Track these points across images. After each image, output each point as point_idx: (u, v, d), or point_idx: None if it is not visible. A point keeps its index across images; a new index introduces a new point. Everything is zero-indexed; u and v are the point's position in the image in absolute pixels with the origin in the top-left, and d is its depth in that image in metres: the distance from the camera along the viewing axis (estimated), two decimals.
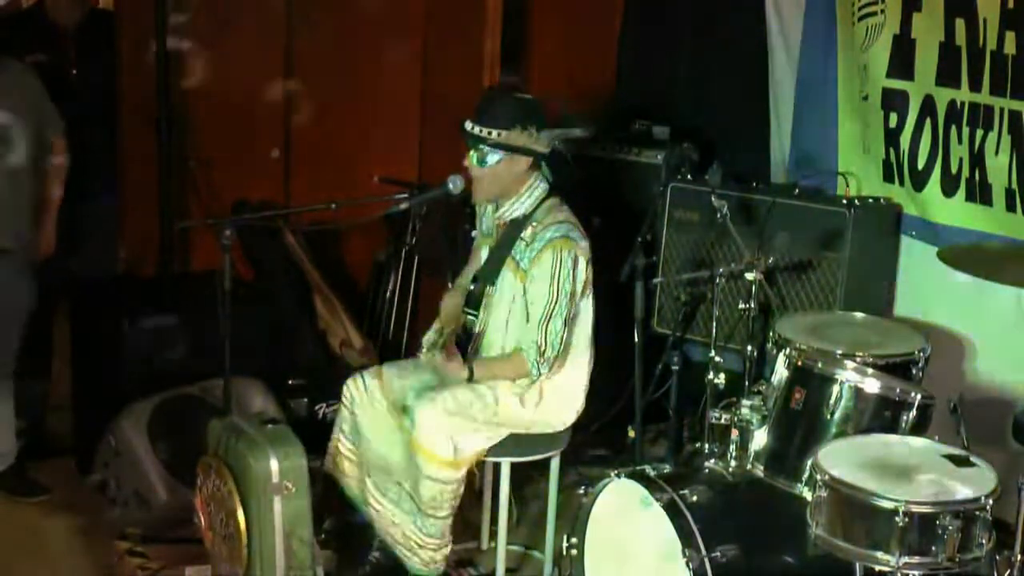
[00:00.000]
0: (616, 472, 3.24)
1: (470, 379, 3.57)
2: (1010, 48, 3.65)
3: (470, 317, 3.76)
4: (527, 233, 3.61)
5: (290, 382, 4.64)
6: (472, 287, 3.79)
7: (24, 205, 4.16)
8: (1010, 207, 3.74)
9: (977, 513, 2.73)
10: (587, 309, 3.67)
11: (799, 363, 3.24)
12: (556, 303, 3.51)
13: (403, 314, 5.23)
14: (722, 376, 3.64)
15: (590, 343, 3.71)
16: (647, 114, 5.02)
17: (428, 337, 3.85)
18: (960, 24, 3.82)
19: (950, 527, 2.69)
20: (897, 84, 4.10)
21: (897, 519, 2.69)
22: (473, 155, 3.59)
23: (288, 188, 5.43)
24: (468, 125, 3.58)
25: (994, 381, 3.89)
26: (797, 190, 4.29)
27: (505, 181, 3.60)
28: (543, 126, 3.61)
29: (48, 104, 4.21)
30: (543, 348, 3.52)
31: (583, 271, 3.58)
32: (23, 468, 4.35)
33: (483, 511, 4.06)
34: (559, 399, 3.67)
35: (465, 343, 3.74)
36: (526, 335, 3.56)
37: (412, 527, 3.57)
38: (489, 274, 3.71)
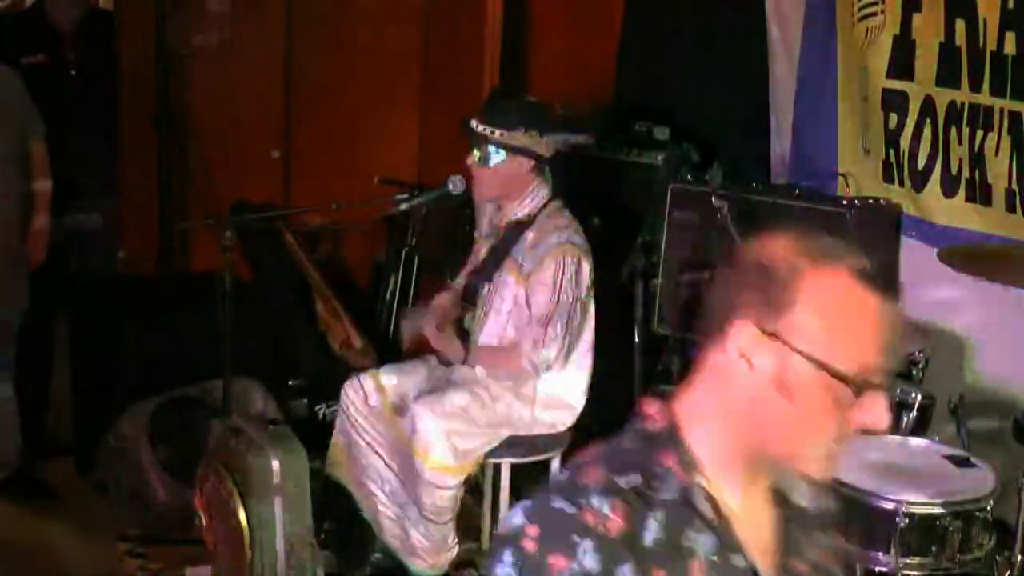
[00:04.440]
0: None
1: (465, 361, 3.59)
2: (1010, 48, 3.65)
3: (467, 315, 3.77)
4: (529, 237, 3.61)
5: (290, 383, 4.64)
6: (467, 284, 3.79)
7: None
8: (1010, 208, 3.73)
9: (977, 514, 2.73)
10: (590, 312, 3.67)
11: None
12: (557, 307, 3.51)
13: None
14: None
15: (591, 345, 3.71)
16: (647, 114, 5.02)
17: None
18: (960, 25, 3.82)
19: (950, 528, 2.69)
20: (897, 85, 4.10)
21: (897, 520, 2.69)
22: (476, 153, 3.59)
23: (288, 188, 5.43)
24: (472, 123, 3.59)
25: (994, 382, 3.89)
26: (797, 190, 4.29)
27: (507, 181, 3.61)
28: (547, 130, 3.62)
29: (30, 108, 4.19)
30: (540, 349, 3.52)
31: (587, 275, 3.58)
32: (32, 470, 4.34)
33: (483, 511, 4.06)
34: (558, 400, 3.67)
35: (463, 340, 3.75)
36: (526, 333, 3.56)
37: (414, 532, 3.57)
38: (488, 272, 3.72)
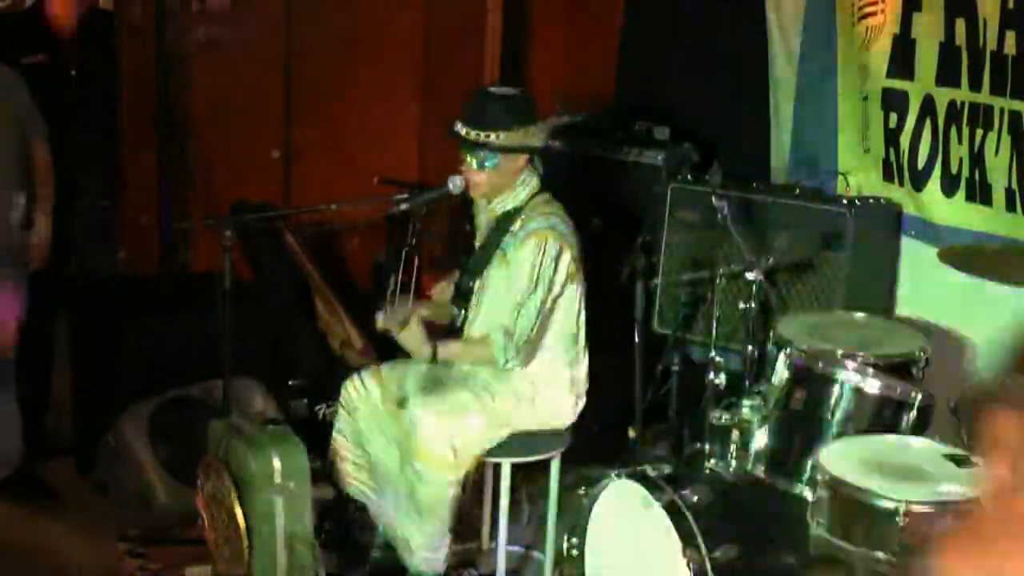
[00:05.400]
0: (616, 472, 3.23)
1: (433, 359, 3.55)
2: (1010, 48, 3.65)
3: (457, 309, 3.76)
4: (515, 225, 3.60)
5: (290, 382, 4.64)
6: (461, 279, 3.79)
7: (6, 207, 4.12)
8: (1010, 207, 3.73)
9: None
10: (572, 304, 3.64)
11: (800, 363, 3.23)
12: (533, 291, 3.49)
13: None
14: (723, 376, 3.64)
15: (579, 339, 3.69)
16: (647, 114, 5.02)
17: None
18: (960, 24, 3.82)
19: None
20: (897, 84, 4.10)
21: (898, 519, 2.69)
22: (472, 160, 3.57)
23: (288, 188, 5.44)
24: (463, 131, 3.55)
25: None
26: (797, 190, 4.29)
27: (504, 178, 3.60)
28: (536, 119, 3.61)
29: (32, 109, 4.19)
30: (512, 333, 3.49)
31: (566, 264, 3.55)
32: (32, 470, 4.35)
33: (483, 511, 4.06)
34: (554, 395, 3.66)
35: (453, 334, 3.74)
36: (498, 319, 3.54)
37: (411, 527, 3.58)
38: (477, 267, 3.71)
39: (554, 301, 3.56)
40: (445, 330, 3.79)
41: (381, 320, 3.64)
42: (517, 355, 3.52)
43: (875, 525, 2.73)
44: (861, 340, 3.40)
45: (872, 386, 3.13)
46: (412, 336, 3.55)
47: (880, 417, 3.12)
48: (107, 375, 4.38)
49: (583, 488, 3.36)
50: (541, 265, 3.49)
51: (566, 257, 3.54)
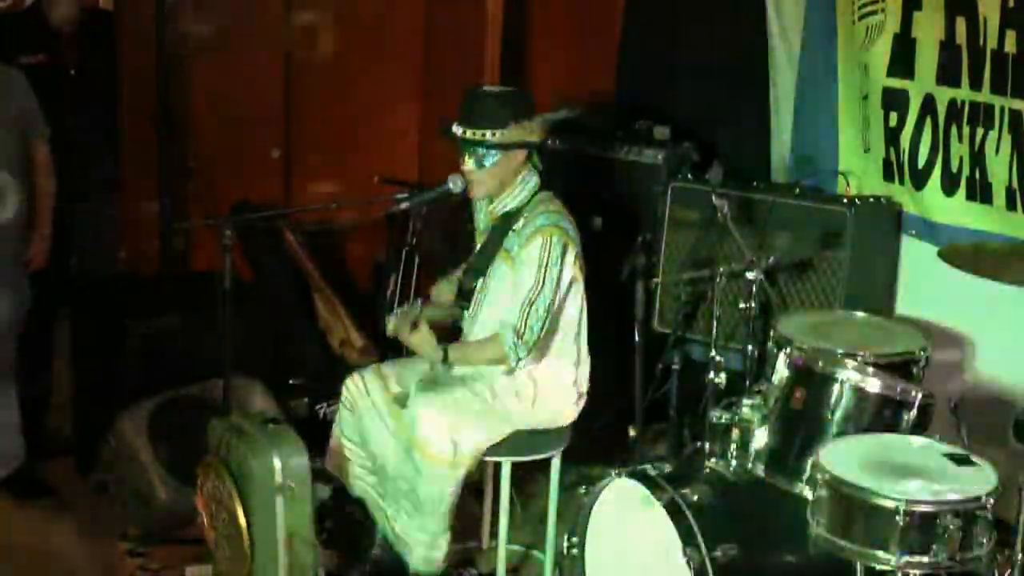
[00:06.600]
0: (616, 472, 3.23)
1: (444, 361, 3.55)
2: (1010, 47, 3.65)
3: (461, 310, 3.76)
4: (518, 224, 3.60)
5: (290, 382, 4.64)
6: (464, 279, 3.78)
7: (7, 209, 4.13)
8: (1011, 206, 3.74)
9: (978, 512, 2.72)
10: (574, 302, 3.64)
11: (800, 362, 3.23)
12: (541, 289, 3.48)
13: None
14: (723, 375, 3.64)
15: (580, 337, 3.69)
16: (647, 114, 5.02)
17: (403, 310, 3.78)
18: (960, 23, 3.82)
19: (951, 526, 2.69)
20: (897, 83, 4.10)
21: (898, 518, 2.69)
22: (470, 159, 3.57)
23: (288, 188, 5.43)
24: (459, 130, 3.55)
25: (995, 381, 3.89)
26: (797, 190, 4.29)
27: (503, 176, 3.60)
28: (533, 114, 3.60)
29: (34, 110, 4.19)
30: (522, 331, 3.48)
31: (571, 262, 3.56)
32: (32, 470, 4.34)
33: (484, 511, 4.06)
34: (555, 395, 3.67)
35: (456, 335, 3.73)
36: (507, 319, 3.53)
37: (411, 525, 3.58)
38: (480, 267, 3.71)
39: (561, 299, 3.56)
40: (448, 331, 3.79)
41: (391, 325, 3.64)
42: (528, 354, 3.52)
43: (875, 525, 2.74)
44: (861, 339, 3.40)
45: (872, 385, 3.13)
46: (423, 339, 3.55)
47: (880, 416, 3.12)
48: (107, 375, 4.38)
49: (583, 487, 3.36)
50: (548, 263, 3.49)
51: (571, 255, 3.55)
